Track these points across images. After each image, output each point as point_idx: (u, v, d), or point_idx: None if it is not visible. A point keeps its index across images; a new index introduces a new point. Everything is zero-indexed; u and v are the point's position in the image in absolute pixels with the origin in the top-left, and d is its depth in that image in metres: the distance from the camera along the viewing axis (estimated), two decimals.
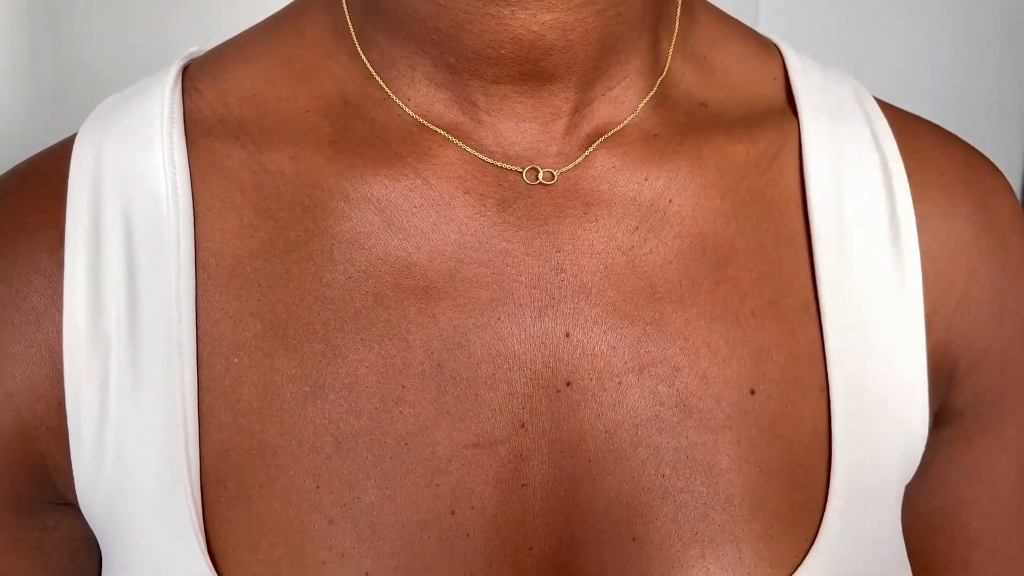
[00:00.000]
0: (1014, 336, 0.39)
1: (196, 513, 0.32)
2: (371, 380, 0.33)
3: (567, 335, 0.34)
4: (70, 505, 0.35)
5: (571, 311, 0.34)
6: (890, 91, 0.44)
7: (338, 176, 0.34)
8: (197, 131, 0.36)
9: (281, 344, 0.33)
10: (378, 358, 0.33)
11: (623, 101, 0.35)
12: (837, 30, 0.91)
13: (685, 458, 0.33)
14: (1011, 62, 0.95)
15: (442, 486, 0.33)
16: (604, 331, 0.34)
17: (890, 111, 0.40)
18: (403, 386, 0.33)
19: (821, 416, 0.35)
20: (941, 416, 0.39)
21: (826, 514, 0.34)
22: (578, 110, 0.35)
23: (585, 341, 0.34)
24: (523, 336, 0.34)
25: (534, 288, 0.34)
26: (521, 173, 0.34)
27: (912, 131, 0.39)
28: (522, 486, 0.33)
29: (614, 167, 0.35)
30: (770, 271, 0.36)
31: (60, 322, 0.33)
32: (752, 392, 0.34)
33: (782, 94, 0.39)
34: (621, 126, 0.35)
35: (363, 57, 0.35)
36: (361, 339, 0.33)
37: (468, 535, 0.32)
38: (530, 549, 0.33)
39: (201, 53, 0.39)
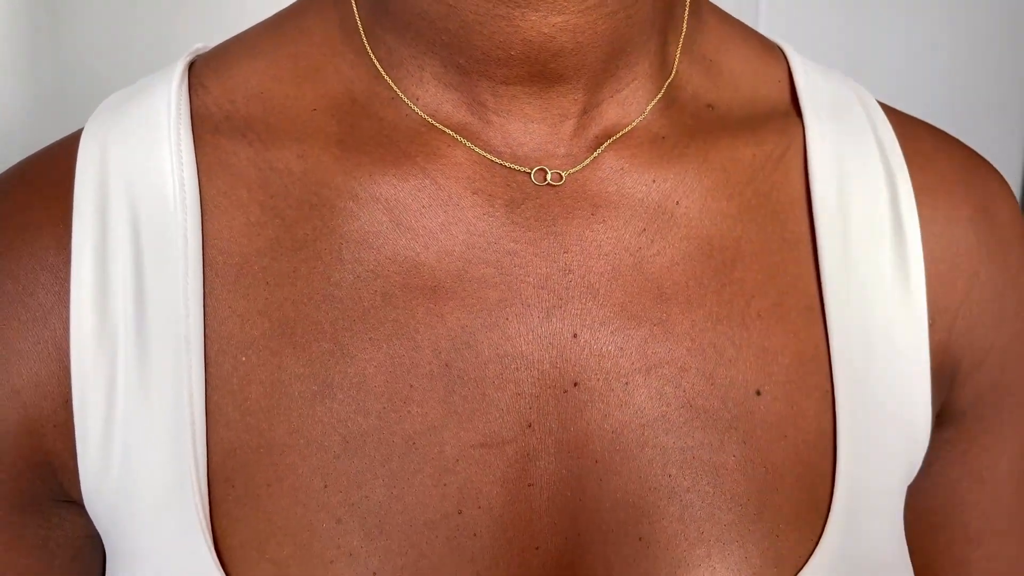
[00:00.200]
0: (1015, 337, 0.39)
1: (203, 511, 0.32)
2: (379, 379, 0.33)
3: (575, 336, 0.34)
4: (75, 503, 0.35)
5: (579, 312, 0.34)
6: (890, 91, 0.44)
7: (346, 175, 0.34)
8: (204, 128, 0.36)
9: (289, 343, 0.33)
10: (386, 357, 0.33)
11: (631, 103, 0.35)
12: (837, 30, 0.91)
13: (691, 458, 0.34)
14: (1011, 62, 0.95)
15: (449, 486, 0.33)
16: (611, 332, 0.34)
17: (892, 114, 0.40)
18: (411, 385, 0.33)
19: (826, 417, 0.35)
20: (943, 416, 0.39)
21: (831, 514, 0.34)
22: (586, 112, 0.35)
23: (592, 342, 0.34)
24: (531, 336, 0.34)
25: (542, 289, 0.34)
26: (529, 174, 0.35)
27: (914, 134, 0.40)
28: (529, 486, 0.33)
29: (622, 169, 0.35)
30: (775, 273, 0.36)
31: (67, 319, 0.33)
32: (758, 393, 0.35)
33: (787, 96, 0.39)
34: (629, 128, 0.35)
35: (371, 56, 0.35)
36: (369, 338, 0.33)
37: (475, 534, 0.33)
38: (536, 548, 0.33)
39: (206, 50, 0.39)
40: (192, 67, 0.37)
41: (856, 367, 0.36)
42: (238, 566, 0.32)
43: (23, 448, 0.34)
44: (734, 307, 0.35)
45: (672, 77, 0.37)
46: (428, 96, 0.35)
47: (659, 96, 0.36)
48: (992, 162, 0.41)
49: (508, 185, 0.35)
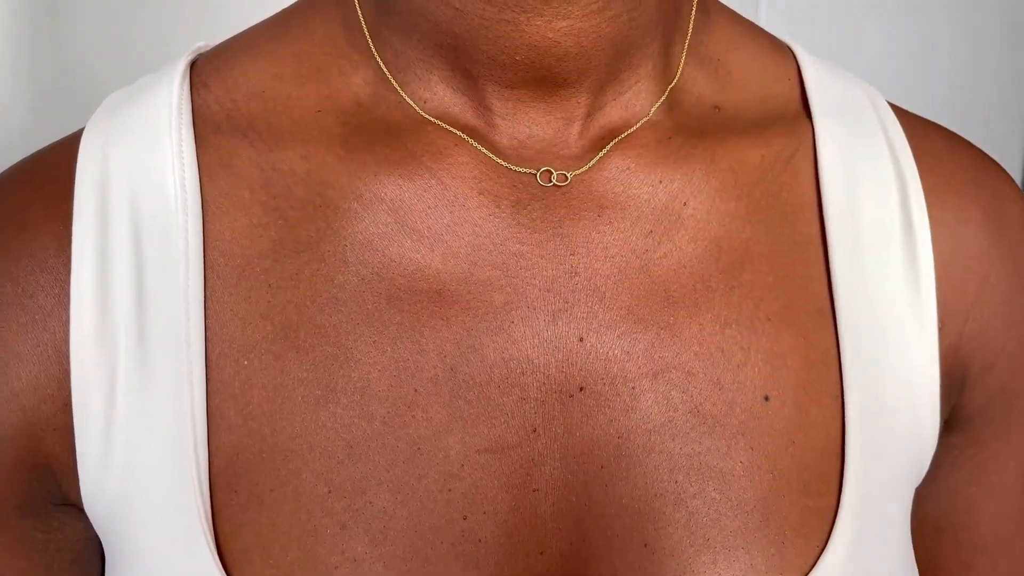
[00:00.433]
0: None
1: (206, 516, 0.32)
2: (383, 384, 0.33)
3: (581, 340, 0.34)
4: (74, 506, 0.34)
5: (585, 315, 0.34)
6: (890, 91, 0.44)
7: (350, 175, 0.34)
8: (205, 128, 0.35)
9: (292, 346, 0.33)
10: (390, 362, 0.33)
11: (635, 105, 0.35)
12: (837, 30, 0.91)
13: (698, 464, 0.33)
14: (1011, 62, 0.95)
15: (454, 491, 0.32)
16: (618, 336, 0.34)
17: (902, 115, 0.40)
18: (416, 390, 0.33)
19: (834, 422, 0.35)
20: (952, 422, 0.39)
21: (837, 521, 0.34)
22: (590, 114, 0.34)
23: (599, 346, 0.34)
24: (536, 340, 0.33)
25: (548, 292, 0.34)
26: (535, 175, 0.34)
27: (924, 135, 0.39)
28: (534, 491, 0.33)
29: (628, 169, 0.35)
30: (785, 275, 0.36)
31: (67, 321, 0.33)
32: (766, 398, 0.34)
33: (796, 96, 0.39)
34: (634, 128, 0.35)
35: (377, 57, 0.35)
36: (373, 342, 0.33)
37: (480, 540, 0.32)
38: (541, 554, 0.33)
39: (208, 48, 0.38)
40: (194, 66, 0.37)
41: (866, 371, 0.35)
42: (241, 572, 0.32)
43: (22, 452, 0.33)
44: (743, 310, 0.35)
45: (677, 80, 0.36)
46: (436, 99, 0.34)
47: (663, 98, 0.36)
48: (1001, 166, 0.41)
49: (514, 186, 0.34)
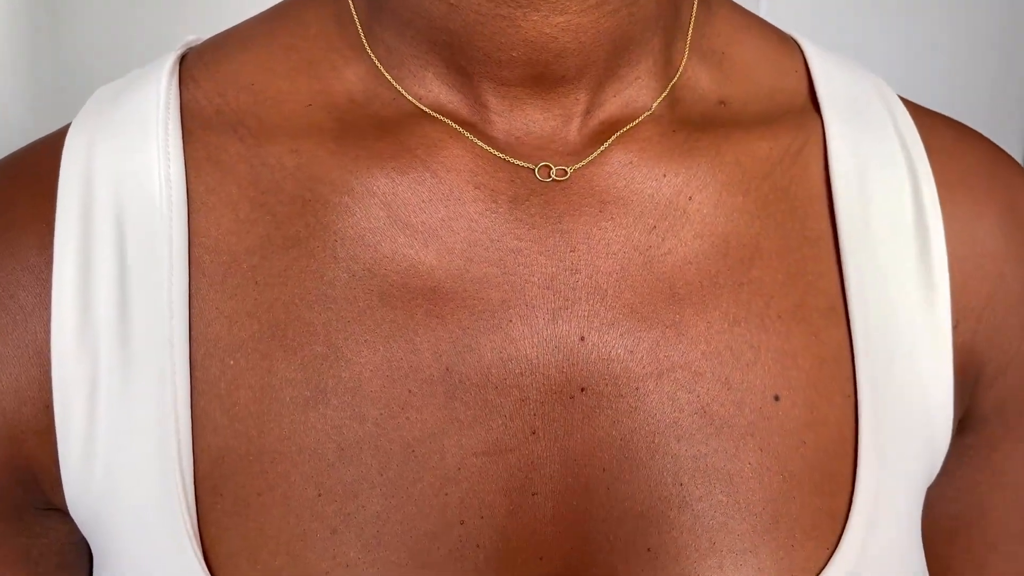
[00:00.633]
0: None
1: (191, 520, 0.31)
2: (375, 384, 0.32)
3: (582, 339, 0.33)
4: (58, 510, 0.34)
5: (586, 313, 0.33)
6: None
7: (342, 169, 0.33)
8: (194, 123, 0.34)
9: (280, 346, 0.32)
10: (383, 361, 0.32)
11: (636, 102, 0.34)
12: (836, 30, 0.91)
13: (704, 467, 0.32)
14: (1011, 62, 0.95)
15: (451, 495, 0.32)
16: (621, 334, 0.33)
17: (912, 107, 0.39)
18: (409, 391, 0.32)
19: (847, 422, 0.34)
20: (966, 422, 0.38)
21: (849, 523, 0.33)
22: (590, 111, 0.34)
23: (601, 345, 0.33)
24: (536, 339, 0.32)
25: (547, 289, 0.33)
26: (533, 170, 0.33)
27: (935, 128, 0.38)
28: (533, 495, 0.32)
29: (631, 163, 0.34)
30: (796, 272, 0.35)
31: (48, 322, 0.32)
32: (776, 398, 0.33)
33: (804, 88, 0.38)
34: (637, 122, 0.34)
35: (370, 53, 0.34)
36: (365, 341, 0.32)
37: (478, 545, 0.32)
38: (540, 560, 0.32)
39: (199, 42, 0.38)
40: (184, 60, 0.36)
41: (878, 370, 0.34)
42: None
43: (3, 456, 0.33)
44: (752, 308, 0.34)
45: (679, 75, 0.35)
46: (430, 97, 0.34)
47: (663, 95, 0.35)
48: (1015, 159, 0.40)
49: (512, 180, 0.33)
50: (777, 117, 0.37)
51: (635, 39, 0.33)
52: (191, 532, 0.31)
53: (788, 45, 0.39)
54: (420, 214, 0.33)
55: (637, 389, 0.33)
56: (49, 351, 0.32)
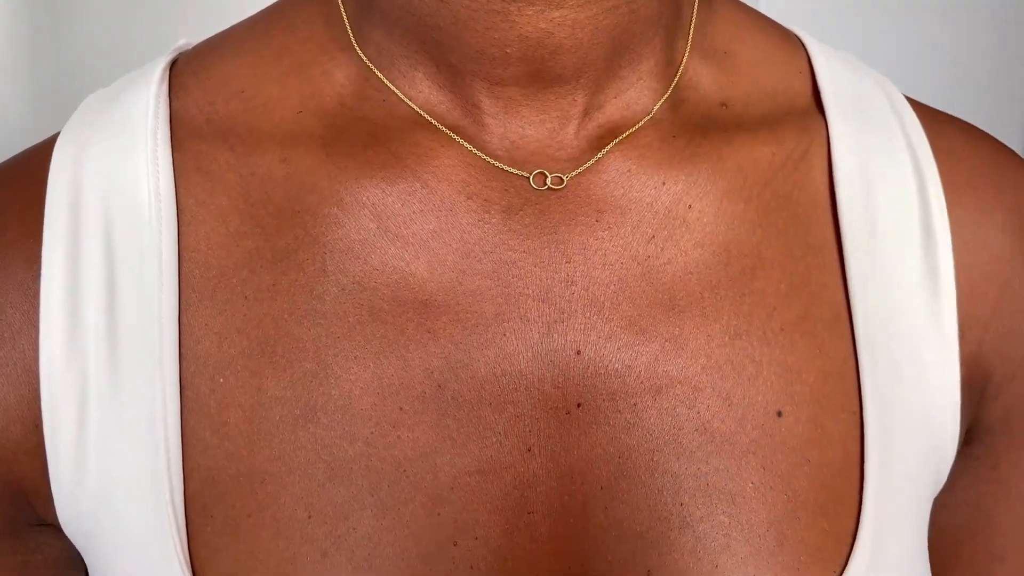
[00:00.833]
0: None
1: (181, 542, 0.31)
2: (366, 402, 0.31)
3: (578, 353, 0.32)
4: (52, 526, 0.33)
5: (582, 327, 0.32)
6: None
7: (331, 179, 0.32)
8: (184, 132, 0.34)
9: (269, 363, 0.31)
10: (374, 378, 0.31)
11: (637, 104, 0.33)
12: (836, 30, 0.90)
13: (705, 485, 0.31)
14: (1011, 62, 0.95)
15: (444, 515, 0.31)
16: (618, 348, 0.32)
17: (918, 108, 0.38)
18: (401, 408, 0.31)
19: (852, 438, 0.33)
20: (972, 432, 0.37)
21: (856, 543, 0.32)
22: (588, 114, 0.33)
23: (598, 359, 0.32)
24: (530, 354, 0.32)
25: (542, 302, 0.32)
26: (528, 178, 0.32)
27: (942, 129, 0.37)
28: (529, 514, 0.31)
29: (629, 171, 0.33)
30: (799, 282, 0.33)
31: (37, 339, 0.32)
32: (779, 414, 0.32)
33: (808, 88, 0.37)
34: (636, 128, 0.33)
35: (360, 54, 0.33)
36: (355, 357, 0.31)
37: (472, 567, 0.31)
38: None
39: (190, 47, 0.37)
40: (175, 66, 0.36)
41: (884, 383, 0.33)
42: None
43: None
44: (754, 320, 0.33)
45: (680, 76, 0.34)
46: (421, 98, 0.33)
47: (666, 96, 0.34)
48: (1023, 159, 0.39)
49: (505, 190, 0.32)
50: (780, 119, 0.36)
51: (636, 38, 0.32)
52: (181, 555, 0.31)
53: (791, 43, 0.38)
54: (411, 225, 0.32)
55: (635, 405, 0.32)
56: (38, 369, 0.32)
